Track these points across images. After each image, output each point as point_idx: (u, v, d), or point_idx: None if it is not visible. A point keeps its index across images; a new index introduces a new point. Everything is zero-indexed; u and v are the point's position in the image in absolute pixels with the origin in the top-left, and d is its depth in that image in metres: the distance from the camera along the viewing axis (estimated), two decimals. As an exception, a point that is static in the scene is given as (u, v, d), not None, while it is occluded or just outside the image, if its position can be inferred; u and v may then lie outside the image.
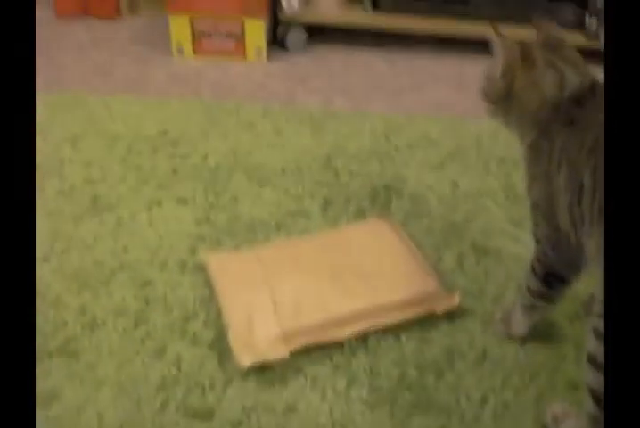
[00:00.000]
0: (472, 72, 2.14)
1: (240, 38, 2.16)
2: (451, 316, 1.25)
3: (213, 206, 1.54)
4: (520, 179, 1.49)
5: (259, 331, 1.17)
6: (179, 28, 2.18)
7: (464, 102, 1.97)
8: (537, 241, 1.11)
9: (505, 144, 1.73)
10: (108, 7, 2.47)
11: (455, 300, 1.24)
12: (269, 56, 2.22)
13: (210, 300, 1.29)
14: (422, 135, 1.79)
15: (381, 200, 1.55)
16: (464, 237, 1.44)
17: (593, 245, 0.96)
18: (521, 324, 1.19)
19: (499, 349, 1.20)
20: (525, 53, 1.05)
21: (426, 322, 1.24)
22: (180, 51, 2.21)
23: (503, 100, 1.09)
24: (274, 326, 1.17)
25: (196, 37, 2.20)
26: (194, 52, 2.21)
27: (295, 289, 1.23)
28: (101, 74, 2.12)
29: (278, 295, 1.21)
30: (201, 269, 1.35)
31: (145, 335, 1.23)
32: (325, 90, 2.04)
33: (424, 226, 1.47)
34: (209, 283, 1.31)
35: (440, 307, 1.23)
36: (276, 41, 2.29)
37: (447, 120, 1.87)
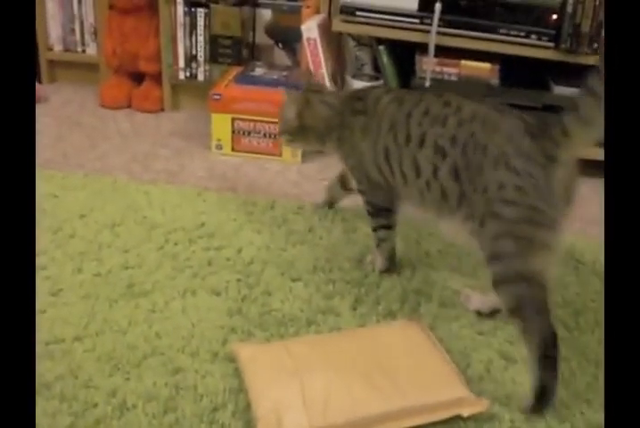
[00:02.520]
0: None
1: (276, 139, 2.25)
2: (477, 420, 1.26)
3: (245, 298, 1.57)
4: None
5: (289, 426, 1.18)
6: (220, 125, 2.28)
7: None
8: (363, 192, 1.67)
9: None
10: (152, 101, 2.59)
11: (484, 404, 1.26)
12: (304, 156, 2.30)
13: (240, 390, 1.31)
14: (451, 242, 1.84)
15: (410, 302, 1.59)
16: (492, 343, 1.46)
17: (401, 185, 1.52)
18: (379, 258, 1.68)
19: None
20: (306, 99, 1.69)
21: (453, 425, 1.25)
22: (219, 147, 2.30)
23: (298, 131, 1.72)
24: (304, 422, 1.18)
25: (235, 135, 2.29)
26: (233, 148, 2.30)
27: (325, 385, 1.24)
28: (141, 163, 2.20)
29: (307, 390, 1.23)
30: (232, 360, 1.38)
31: (174, 422, 1.25)
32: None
33: (453, 331, 1.49)
34: (238, 374, 1.33)
35: (468, 410, 1.25)
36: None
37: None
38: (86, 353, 1.39)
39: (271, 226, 1.87)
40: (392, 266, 1.69)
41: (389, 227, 1.66)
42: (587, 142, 1.27)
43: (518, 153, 1.29)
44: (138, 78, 2.63)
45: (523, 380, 1.36)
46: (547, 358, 1.26)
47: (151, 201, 1.95)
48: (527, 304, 1.28)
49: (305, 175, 2.22)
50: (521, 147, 1.29)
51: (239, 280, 1.64)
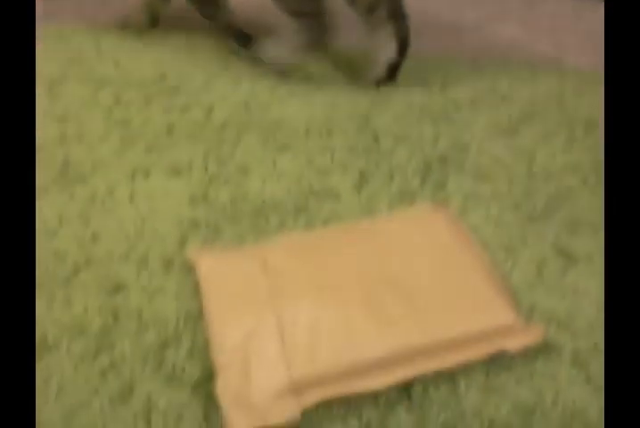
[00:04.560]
0: (549, 7, 1.74)
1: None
2: (529, 353, 0.90)
3: (214, 178, 1.19)
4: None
5: (260, 380, 0.83)
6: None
7: (539, 42, 1.58)
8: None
9: (594, 101, 1.34)
10: None
11: (538, 334, 0.89)
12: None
13: (200, 316, 0.95)
14: (488, 87, 1.40)
15: (434, 176, 1.18)
16: (545, 234, 1.07)
17: None
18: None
19: (591, 404, 0.85)
20: None
21: (494, 363, 0.89)
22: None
23: None
24: (281, 373, 0.83)
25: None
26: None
27: (312, 317, 0.87)
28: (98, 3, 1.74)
29: (288, 326, 0.87)
30: (191, 269, 1.01)
31: (108, 367, 0.90)
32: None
33: (491, 215, 1.10)
34: (199, 292, 0.97)
35: (515, 343, 0.88)
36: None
37: (520, 67, 1.47)
38: (-2, 267, 1.03)
39: (253, 76, 1.44)
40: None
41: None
42: None
43: None
44: None
45: (589, 286, 0.98)
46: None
47: (102, 52, 1.52)
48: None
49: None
50: None
51: (207, 153, 1.24)
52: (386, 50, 1.38)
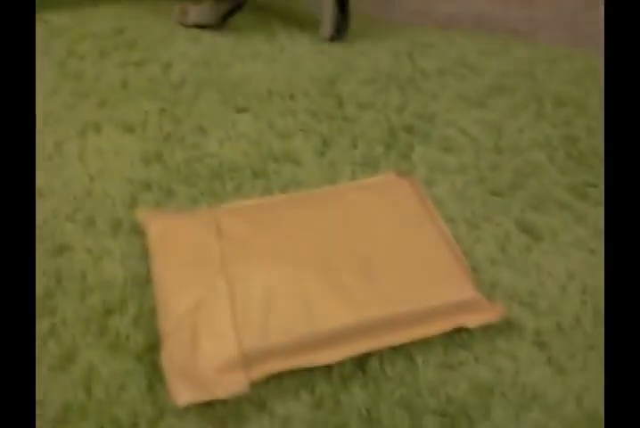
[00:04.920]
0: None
1: None
2: (488, 331, 0.87)
3: (169, 138, 1.13)
4: (581, 129, 1.09)
5: (208, 350, 0.78)
6: None
7: (512, 15, 1.54)
8: None
9: (564, 77, 1.31)
10: None
11: (499, 311, 0.86)
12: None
13: (148, 282, 0.90)
14: (457, 57, 1.36)
15: (399, 146, 1.14)
16: (510, 209, 1.04)
17: None
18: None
19: (552, 386, 0.82)
20: None
21: (453, 340, 0.86)
22: None
23: None
24: (231, 344, 0.78)
25: None
26: None
27: (266, 286, 0.83)
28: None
29: (240, 295, 0.82)
30: (141, 233, 0.96)
31: (49, 332, 0.85)
32: None
33: (456, 188, 1.07)
34: (148, 256, 0.92)
35: (475, 320, 0.85)
36: None
37: (491, 39, 1.43)
38: None
39: (213, 33, 1.38)
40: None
41: None
42: None
43: None
44: None
45: (553, 264, 0.95)
46: None
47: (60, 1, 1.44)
48: None
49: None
50: None
51: (163, 110, 1.18)
52: (328, 6, 1.34)
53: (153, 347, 0.83)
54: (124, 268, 0.92)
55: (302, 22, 1.43)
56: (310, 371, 0.81)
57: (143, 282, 0.90)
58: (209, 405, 0.77)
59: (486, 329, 0.86)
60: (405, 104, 1.23)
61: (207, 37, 1.36)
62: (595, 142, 1.15)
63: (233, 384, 0.76)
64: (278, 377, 0.80)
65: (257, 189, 1.05)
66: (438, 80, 1.29)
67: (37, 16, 1.38)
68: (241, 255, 0.86)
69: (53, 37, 1.33)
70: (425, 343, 0.84)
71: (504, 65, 1.35)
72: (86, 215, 0.99)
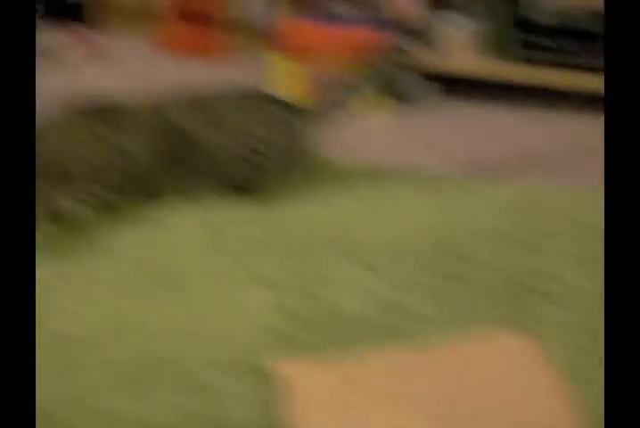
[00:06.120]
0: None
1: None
2: None
3: (294, 290, 1.19)
4: None
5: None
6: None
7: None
8: None
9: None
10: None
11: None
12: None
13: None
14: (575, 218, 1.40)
15: (516, 302, 1.17)
16: None
17: None
18: None
19: None
20: None
21: None
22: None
23: None
24: None
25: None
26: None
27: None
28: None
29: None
30: (271, 379, 0.99)
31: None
32: (453, 152, 1.70)
33: (582, 350, 1.06)
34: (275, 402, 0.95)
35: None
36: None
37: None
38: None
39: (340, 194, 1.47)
40: None
41: None
42: None
43: None
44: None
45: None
46: None
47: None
48: None
49: (389, 129, 1.80)
50: None
51: (288, 265, 1.25)
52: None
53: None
54: (250, 413, 0.95)
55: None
56: None
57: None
58: None
59: None
60: (524, 264, 1.26)
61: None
62: None
63: None
64: None
65: (377, 340, 1.08)
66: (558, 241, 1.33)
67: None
68: (367, 402, 0.88)
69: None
70: None
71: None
72: (219, 359, 1.04)
